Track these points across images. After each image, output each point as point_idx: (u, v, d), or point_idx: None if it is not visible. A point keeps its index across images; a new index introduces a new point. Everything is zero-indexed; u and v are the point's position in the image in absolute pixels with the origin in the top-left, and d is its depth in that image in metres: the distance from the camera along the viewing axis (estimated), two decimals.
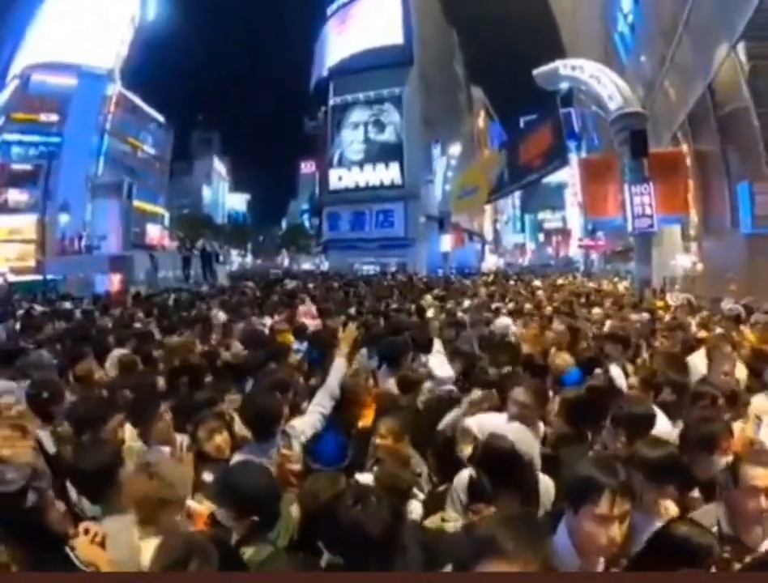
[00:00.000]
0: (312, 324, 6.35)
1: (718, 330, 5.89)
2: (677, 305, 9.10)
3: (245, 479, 1.98)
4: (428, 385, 3.64)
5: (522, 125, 63.37)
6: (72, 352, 4.48)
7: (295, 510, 2.12)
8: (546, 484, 2.34)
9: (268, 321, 6.77)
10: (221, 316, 6.51)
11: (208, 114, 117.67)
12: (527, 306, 8.84)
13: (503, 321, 6.64)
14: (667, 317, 7.59)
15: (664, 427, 2.74)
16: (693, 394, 3.14)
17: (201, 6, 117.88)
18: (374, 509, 1.63)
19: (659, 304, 9.60)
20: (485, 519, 1.81)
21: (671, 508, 1.97)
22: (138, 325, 6.66)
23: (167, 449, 2.66)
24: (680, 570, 1.48)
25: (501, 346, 4.78)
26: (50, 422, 3.01)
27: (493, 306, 8.84)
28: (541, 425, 2.97)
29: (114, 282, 18.85)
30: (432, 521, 2.26)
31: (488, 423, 2.65)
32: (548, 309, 8.48)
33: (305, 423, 2.80)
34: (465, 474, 2.29)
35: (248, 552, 1.84)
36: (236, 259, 62.20)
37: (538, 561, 1.19)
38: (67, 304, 10.13)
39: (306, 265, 53.57)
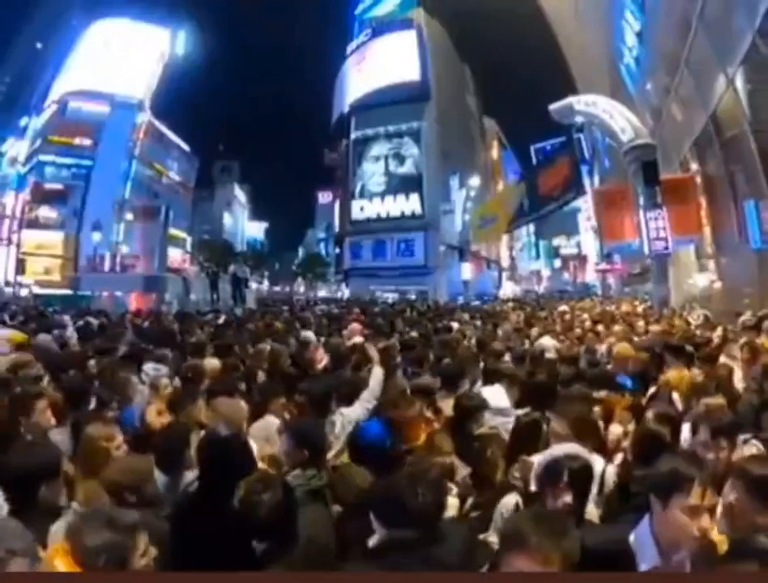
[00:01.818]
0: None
1: (742, 340, 5.82)
2: (698, 324, 9.18)
3: (306, 425, 2.79)
4: (486, 416, 3.34)
5: (532, 152, 65.51)
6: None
7: None
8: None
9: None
10: (311, 335, 7.24)
11: (230, 144, 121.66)
12: (557, 328, 9.11)
13: (548, 341, 6.73)
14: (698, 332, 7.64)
15: None
16: None
17: (226, 43, 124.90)
18: (424, 488, 1.77)
19: (677, 321, 9.86)
20: (515, 515, 1.88)
21: None
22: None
23: (277, 420, 3.44)
24: None
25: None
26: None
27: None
28: (598, 459, 2.57)
29: (146, 301, 19.79)
30: None
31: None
32: (578, 331, 8.71)
33: (353, 411, 3.44)
34: (511, 500, 2.24)
35: (292, 474, 2.46)
36: (253, 285, 63.05)
37: (559, 554, 1.30)
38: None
39: (322, 293, 54.15)
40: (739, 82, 11.66)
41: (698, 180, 16.40)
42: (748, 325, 7.06)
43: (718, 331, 7.19)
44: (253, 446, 2.75)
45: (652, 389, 3.96)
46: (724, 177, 13.82)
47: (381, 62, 47.73)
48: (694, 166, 16.80)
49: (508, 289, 56.93)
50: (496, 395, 3.66)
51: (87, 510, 1.62)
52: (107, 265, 39.45)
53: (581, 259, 68.50)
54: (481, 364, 5.03)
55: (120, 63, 50.02)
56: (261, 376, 4.74)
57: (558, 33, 43.00)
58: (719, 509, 1.71)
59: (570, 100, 20.10)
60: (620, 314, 13.31)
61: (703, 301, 15.28)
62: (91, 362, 5.04)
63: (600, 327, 9.18)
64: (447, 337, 7.47)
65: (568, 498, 1.86)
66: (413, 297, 34.55)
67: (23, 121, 52.07)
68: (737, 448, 2.51)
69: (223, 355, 5.35)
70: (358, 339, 6.79)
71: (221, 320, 11.08)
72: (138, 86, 51.81)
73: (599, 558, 1.51)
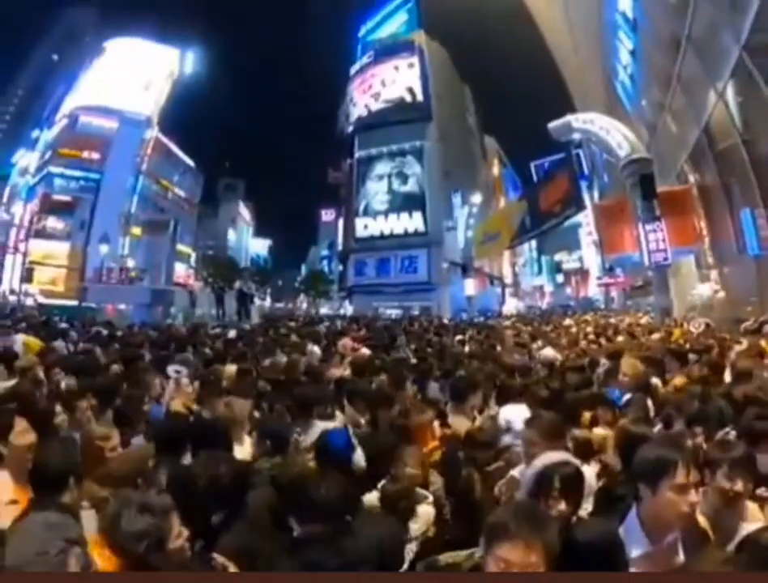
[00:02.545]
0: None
1: (744, 343, 6.14)
2: (700, 332, 9.32)
3: (270, 419, 3.12)
4: (506, 438, 3.13)
5: (532, 169, 66.09)
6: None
7: None
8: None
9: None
10: (316, 350, 7.52)
11: (235, 162, 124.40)
12: (563, 342, 9.25)
13: (550, 352, 6.89)
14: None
15: None
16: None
17: (234, 64, 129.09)
18: (329, 482, 1.86)
19: (678, 331, 10.02)
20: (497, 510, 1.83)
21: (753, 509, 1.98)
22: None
23: None
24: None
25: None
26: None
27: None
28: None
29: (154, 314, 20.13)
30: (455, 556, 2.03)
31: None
32: (584, 343, 8.93)
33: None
34: None
35: (258, 462, 2.67)
36: (257, 301, 62.62)
37: (539, 542, 1.32)
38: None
39: (324, 310, 54.17)
40: (729, 96, 12.06)
41: (695, 191, 16.70)
42: (749, 330, 7.39)
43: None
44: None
45: (627, 397, 3.91)
46: (719, 188, 14.13)
47: (384, 83, 48.95)
48: (692, 178, 17.12)
49: (511, 305, 56.93)
50: (518, 416, 3.31)
51: (120, 497, 1.63)
52: (114, 278, 39.86)
53: (583, 274, 68.62)
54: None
55: (130, 80, 51.69)
56: (261, 384, 5.01)
57: (555, 53, 44.04)
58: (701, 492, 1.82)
59: (569, 117, 20.58)
60: (624, 327, 13.49)
61: (705, 310, 15.48)
62: (114, 367, 5.36)
63: (602, 340, 9.36)
64: (457, 350, 7.74)
65: (561, 506, 1.82)
66: (416, 313, 34.61)
67: (34, 133, 54.02)
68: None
69: (239, 362, 5.73)
70: (365, 351, 7.25)
71: (232, 334, 11.29)
72: (147, 103, 53.37)
73: (589, 550, 1.56)
